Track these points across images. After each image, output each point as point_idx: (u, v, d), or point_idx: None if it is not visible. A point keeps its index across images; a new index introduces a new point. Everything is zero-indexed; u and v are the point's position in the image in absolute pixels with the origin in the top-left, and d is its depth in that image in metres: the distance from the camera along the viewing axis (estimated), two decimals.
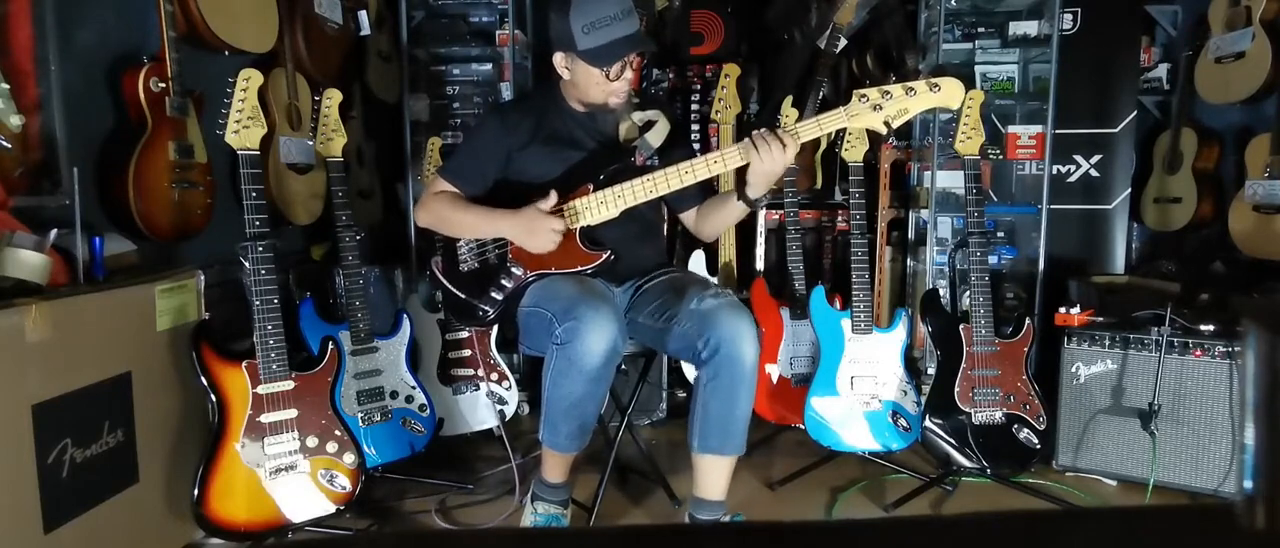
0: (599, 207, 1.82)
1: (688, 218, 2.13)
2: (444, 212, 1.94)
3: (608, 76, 1.83)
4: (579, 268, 1.86)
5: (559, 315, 1.71)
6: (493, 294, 1.90)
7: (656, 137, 1.89)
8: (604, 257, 1.86)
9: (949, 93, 1.67)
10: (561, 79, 1.94)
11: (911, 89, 1.66)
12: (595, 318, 1.67)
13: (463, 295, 1.96)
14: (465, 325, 2.57)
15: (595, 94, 1.88)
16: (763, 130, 1.73)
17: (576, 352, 1.67)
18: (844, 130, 2.42)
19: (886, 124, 1.67)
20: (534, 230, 1.81)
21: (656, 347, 1.96)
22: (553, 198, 1.81)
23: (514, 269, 1.87)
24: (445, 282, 1.99)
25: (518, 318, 1.91)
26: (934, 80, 1.66)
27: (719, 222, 2.06)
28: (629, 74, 1.87)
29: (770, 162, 1.71)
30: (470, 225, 1.92)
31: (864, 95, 1.68)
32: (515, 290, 1.88)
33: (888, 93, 1.67)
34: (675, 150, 1.93)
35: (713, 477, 1.85)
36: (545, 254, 1.83)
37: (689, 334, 1.79)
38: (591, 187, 1.83)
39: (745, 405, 1.80)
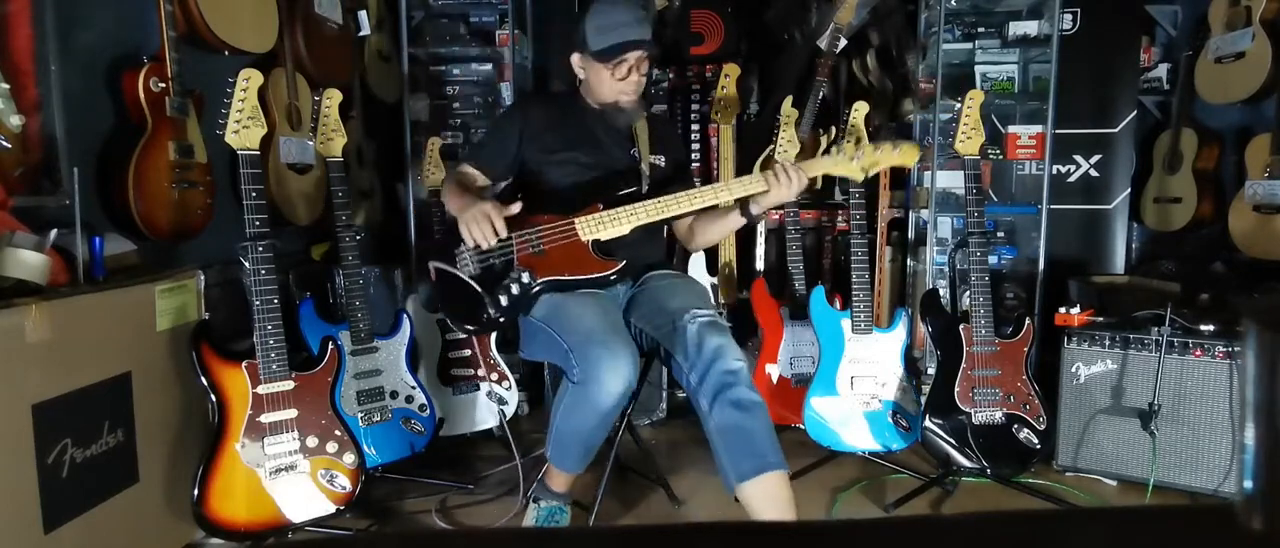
0: (612, 223, 1.87)
1: (680, 228, 2.16)
2: (450, 187, 1.99)
3: (614, 74, 1.92)
4: (592, 274, 1.87)
5: (576, 351, 1.72)
6: (499, 299, 1.88)
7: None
8: (618, 265, 1.88)
9: (905, 154, 1.98)
10: (579, 81, 2.04)
11: (879, 146, 1.98)
12: (613, 361, 1.69)
13: (465, 295, 1.95)
14: (468, 331, 2.55)
15: (606, 92, 1.97)
16: (784, 165, 1.89)
17: (592, 392, 1.69)
18: (844, 131, 2.43)
19: (863, 170, 1.98)
20: (474, 217, 1.78)
21: (652, 350, 1.97)
22: (516, 207, 1.82)
23: (522, 277, 1.86)
24: (448, 284, 1.98)
25: (521, 324, 1.92)
26: (897, 141, 1.99)
27: (714, 233, 2.11)
28: (635, 77, 1.95)
29: (787, 191, 1.87)
30: (450, 200, 1.96)
31: (841, 150, 1.99)
32: (522, 298, 1.87)
33: (859, 146, 1.99)
34: (674, 184, 2.01)
35: (768, 506, 1.69)
36: (556, 261, 1.85)
37: (681, 367, 1.80)
38: (601, 206, 1.88)
39: (762, 418, 1.73)
